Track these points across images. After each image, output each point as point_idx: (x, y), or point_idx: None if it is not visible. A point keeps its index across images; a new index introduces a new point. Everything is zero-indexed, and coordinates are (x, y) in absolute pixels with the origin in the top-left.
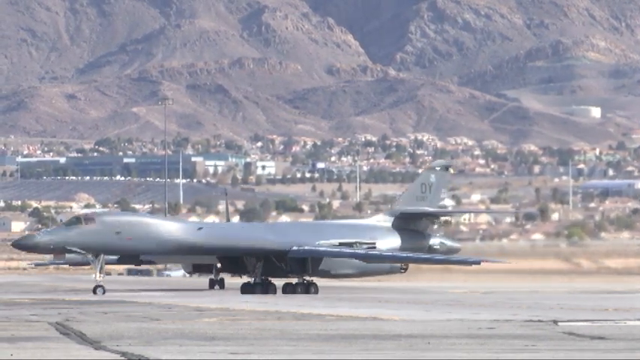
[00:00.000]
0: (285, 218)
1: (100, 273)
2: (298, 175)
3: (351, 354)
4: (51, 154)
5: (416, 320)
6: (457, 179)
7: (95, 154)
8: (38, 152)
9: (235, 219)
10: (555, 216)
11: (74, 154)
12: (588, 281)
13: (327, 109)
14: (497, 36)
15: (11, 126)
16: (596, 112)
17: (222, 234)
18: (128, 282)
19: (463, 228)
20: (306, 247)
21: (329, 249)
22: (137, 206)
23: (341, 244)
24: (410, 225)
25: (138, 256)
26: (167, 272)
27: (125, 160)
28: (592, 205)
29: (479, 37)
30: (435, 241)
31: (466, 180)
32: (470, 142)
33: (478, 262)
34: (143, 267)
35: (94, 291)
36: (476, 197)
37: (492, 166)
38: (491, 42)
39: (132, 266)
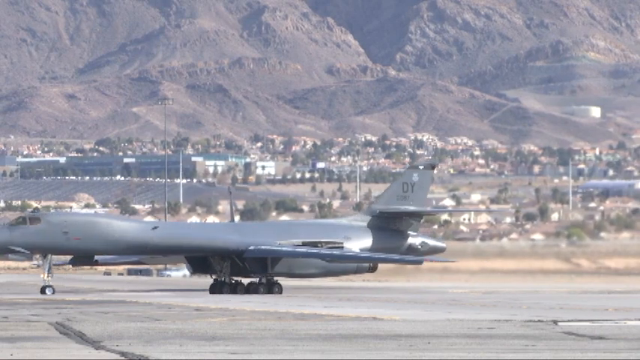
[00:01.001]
0: (285, 218)
1: (49, 273)
2: (298, 175)
3: (352, 354)
4: (51, 154)
5: (416, 320)
6: (457, 179)
7: (95, 154)
8: (38, 152)
9: (235, 219)
10: (555, 216)
11: (74, 154)
12: (588, 281)
13: (327, 109)
14: (497, 36)
15: (11, 126)
16: (596, 112)
17: (177, 233)
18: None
19: (463, 228)
20: (262, 247)
21: (285, 249)
22: (137, 206)
23: (304, 244)
24: (390, 224)
25: (92, 256)
26: (167, 272)
27: (125, 160)
28: (592, 205)
29: (479, 37)
30: (416, 241)
31: (466, 180)
32: (470, 142)
33: (420, 262)
34: (143, 267)
35: (43, 291)
36: (476, 197)
37: (492, 166)
38: (491, 42)
39: (132, 266)
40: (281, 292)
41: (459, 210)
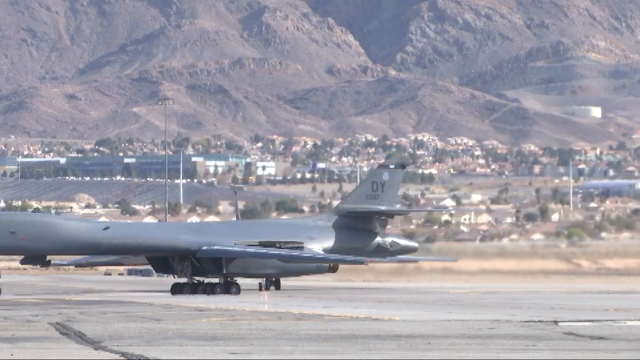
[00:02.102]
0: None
1: None
2: (298, 176)
3: (352, 354)
4: (51, 154)
5: (416, 320)
6: (457, 179)
7: (95, 154)
8: (38, 152)
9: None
10: (555, 216)
11: (74, 155)
12: (588, 281)
13: (328, 110)
14: (498, 36)
15: (11, 126)
16: (596, 112)
17: (129, 234)
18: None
19: (464, 228)
20: (215, 247)
21: (235, 249)
22: (138, 207)
23: (262, 244)
24: (358, 224)
25: (43, 256)
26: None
27: (125, 160)
28: (592, 205)
29: (479, 37)
30: (386, 240)
31: (466, 180)
32: (470, 142)
33: (362, 262)
34: (143, 267)
35: None
36: (476, 197)
37: (492, 167)
38: (492, 42)
39: (132, 266)
40: (239, 293)
41: (433, 209)
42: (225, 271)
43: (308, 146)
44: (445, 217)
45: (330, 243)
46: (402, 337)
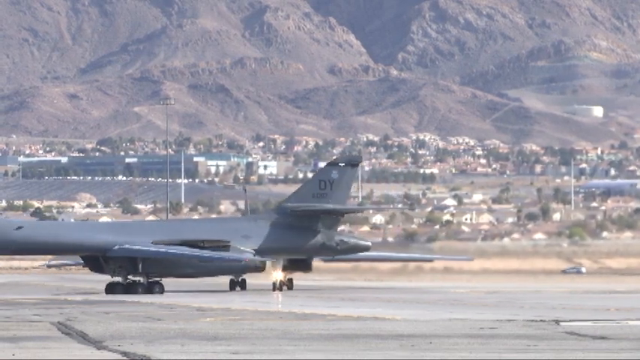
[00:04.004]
0: None
1: None
2: (300, 175)
3: (353, 354)
4: (53, 153)
5: (418, 320)
6: (459, 179)
7: (97, 153)
8: (40, 152)
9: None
10: (557, 216)
11: (76, 154)
12: (590, 281)
13: (329, 109)
14: (499, 36)
15: (13, 126)
16: (598, 111)
17: (42, 233)
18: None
19: (465, 228)
20: (125, 247)
21: (144, 248)
22: (139, 206)
23: (185, 244)
24: (303, 222)
25: None
26: None
27: (127, 159)
28: (594, 204)
29: (481, 37)
30: (335, 239)
31: (468, 180)
32: (471, 142)
33: (240, 260)
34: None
35: None
36: (477, 197)
37: (494, 166)
38: (493, 42)
39: None
40: (162, 292)
41: (377, 208)
42: (141, 271)
43: (309, 146)
44: (446, 216)
45: (266, 242)
46: (403, 337)
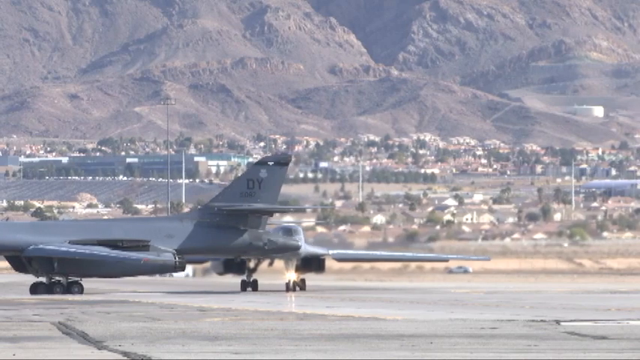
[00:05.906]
0: (288, 218)
1: None
2: (301, 175)
3: (354, 354)
4: (53, 153)
5: (419, 320)
6: (459, 179)
7: (98, 153)
8: (41, 152)
9: None
10: (558, 216)
11: (77, 154)
12: (591, 281)
13: (330, 109)
14: (500, 36)
15: (14, 126)
16: (598, 111)
17: None
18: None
19: (465, 228)
20: (40, 247)
21: (56, 248)
22: (140, 206)
23: (101, 243)
24: (230, 222)
25: None
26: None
27: (128, 160)
28: (594, 205)
29: (481, 37)
30: (263, 238)
31: (468, 180)
32: (472, 142)
33: (139, 260)
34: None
35: None
36: (478, 197)
37: (495, 166)
38: (494, 42)
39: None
40: (81, 292)
41: (313, 207)
42: (57, 271)
43: (310, 146)
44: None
45: (189, 241)
46: (404, 337)
